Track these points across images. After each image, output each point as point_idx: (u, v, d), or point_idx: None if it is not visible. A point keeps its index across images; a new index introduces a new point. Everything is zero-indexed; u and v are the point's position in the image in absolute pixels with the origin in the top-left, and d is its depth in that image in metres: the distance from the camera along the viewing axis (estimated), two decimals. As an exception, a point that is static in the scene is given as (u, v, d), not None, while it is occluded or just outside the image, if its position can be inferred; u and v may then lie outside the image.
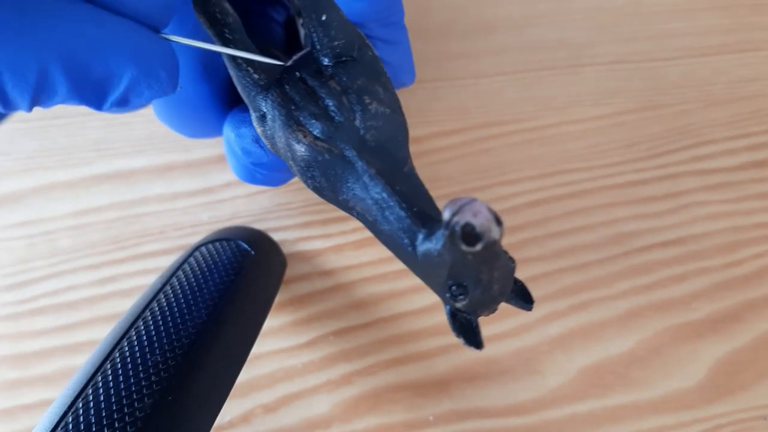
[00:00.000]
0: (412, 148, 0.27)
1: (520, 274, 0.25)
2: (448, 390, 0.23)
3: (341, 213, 0.23)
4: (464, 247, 0.11)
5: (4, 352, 0.23)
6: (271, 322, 0.24)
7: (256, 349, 0.23)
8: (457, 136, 0.27)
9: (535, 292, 0.25)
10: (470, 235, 0.11)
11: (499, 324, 0.24)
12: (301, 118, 0.15)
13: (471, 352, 0.24)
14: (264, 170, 0.20)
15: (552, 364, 0.24)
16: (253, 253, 0.22)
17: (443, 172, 0.26)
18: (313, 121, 0.15)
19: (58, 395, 0.17)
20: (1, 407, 0.23)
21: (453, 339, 0.24)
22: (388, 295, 0.24)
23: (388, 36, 0.18)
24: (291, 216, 0.25)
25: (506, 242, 0.25)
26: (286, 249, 0.25)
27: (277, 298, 0.24)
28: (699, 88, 0.29)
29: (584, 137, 0.27)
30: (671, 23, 0.30)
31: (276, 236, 0.25)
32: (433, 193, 0.26)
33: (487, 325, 0.24)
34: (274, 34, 0.19)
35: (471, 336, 0.15)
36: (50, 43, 0.11)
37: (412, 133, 0.27)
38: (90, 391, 0.16)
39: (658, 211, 0.26)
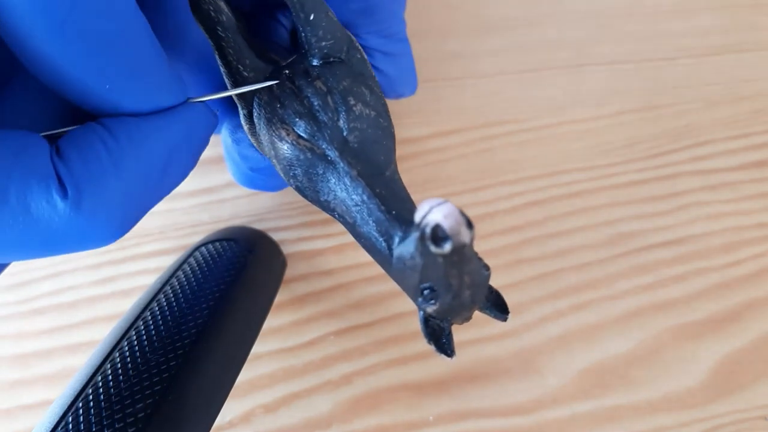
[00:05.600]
0: (413, 148, 0.27)
1: (521, 274, 0.25)
2: (448, 390, 0.23)
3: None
4: (433, 249, 0.11)
5: (4, 352, 0.23)
6: (271, 322, 0.24)
7: (256, 349, 0.23)
8: (457, 136, 0.27)
9: (535, 292, 0.25)
10: (439, 237, 0.11)
11: (499, 324, 0.24)
12: (285, 117, 0.15)
13: (471, 352, 0.24)
14: (262, 175, 0.20)
15: (552, 364, 0.24)
16: (253, 253, 0.22)
17: (443, 172, 0.26)
18: (297, 119, 0.15)
19: (58, 395, 0.17)
20: (1, 407, 0.23)
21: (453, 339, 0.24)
22: (388, 295, 0.24)
23: (386, 48, 0.18)
24: (291, 216, 0.25)
25: (506, 242, 0.25)
26: (286, 249, 0.25)
27: (277, 298, 0.24)
28: (699, 88, 0.29)
29: (584, 137, 0.27)
30: (671, 23, 0.30)
31: (276, 236, 0.25)
32: (432, 194, 0.26)
33: (486, 325, 0.24)
34: (278, 38, 0.19)
35: (442, 343, 0.15)
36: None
37: (412, 133, 0.27)
38: (90, 391, 0.16)
39: (658, 211, 0.26)
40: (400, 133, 0.27)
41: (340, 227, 0.25)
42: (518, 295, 0.25)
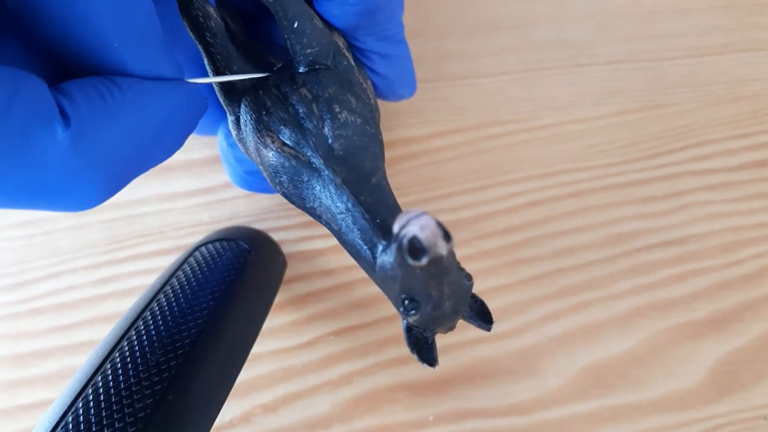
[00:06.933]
0: (413, 148, 0.27)
1: (521, 274, 0.25)
2: (448, 390, 0.23)
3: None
4: (410, 261, 0.11)
5: (4, 352, 0.23)
6: (271, 322, 0.24)
7: (256, 349, 0.23)
8: (457, 136, 0.27)
9: (535, 292, 0.25)
10: (416, 249, 0.11)
11: (500, 324, 0.24)
12: (271, 124, 0.15)
13: (471, 352, 0.24)
14: (258, 178, 0.20)
15: (552, 364, 0.24)
16: (253, 253, 0.22)
17: (443, 172, 0.26)
18: (282, 126, 0.15)
19: (58, 395, 0.17)
20: (1, 407, 0.23)
21: (453, 339, 0.24)
22: (388, 295, 0.24)
23: (384, 50, 0.18)
24: (291, 216, 0.25)
25: (506, 242, 0.25)
26: (286, 249, 0.25)
27: (277, 298, 0.24)
28: (699, 88, 0.29)
29: (584, 137, 0.27)
30: (671, 23, 0.30)
31: (276, 236, 0.25)
32: (432, 193, 0.26)
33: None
34: (279, 39, 0.19)
35: (425, 353, 0.15)
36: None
37: (412, 133, 0.27)
38: (90, 391, 0.16)
39: (658, 211, 0.26)
40: (400, 133, 0.27)
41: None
42: (518, 295, 0.25)
